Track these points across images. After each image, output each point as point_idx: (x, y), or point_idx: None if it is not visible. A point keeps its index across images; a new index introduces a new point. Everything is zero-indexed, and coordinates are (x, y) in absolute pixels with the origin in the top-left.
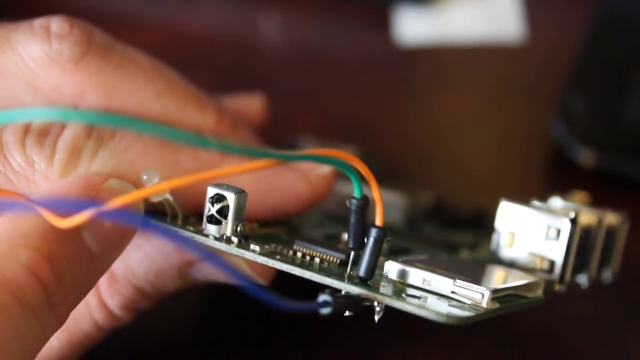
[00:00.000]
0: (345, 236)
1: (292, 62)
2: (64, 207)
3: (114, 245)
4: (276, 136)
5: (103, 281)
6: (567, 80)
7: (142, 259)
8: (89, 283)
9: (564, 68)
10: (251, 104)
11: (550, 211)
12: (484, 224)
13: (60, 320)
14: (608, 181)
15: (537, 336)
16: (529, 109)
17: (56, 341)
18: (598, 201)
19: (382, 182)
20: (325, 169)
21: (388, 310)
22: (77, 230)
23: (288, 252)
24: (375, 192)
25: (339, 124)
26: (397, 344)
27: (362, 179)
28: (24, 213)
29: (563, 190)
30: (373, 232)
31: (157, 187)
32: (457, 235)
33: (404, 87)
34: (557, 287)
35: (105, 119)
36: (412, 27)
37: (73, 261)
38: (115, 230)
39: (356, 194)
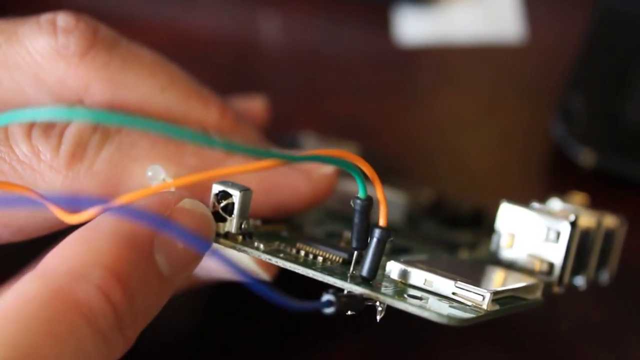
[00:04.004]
0: (347, 234)
1: (292, 62)
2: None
3: (185, 266)
4: (276, 136)
5: None
6: (567, 80)
7: None
8: (158, 305)
9: (564, 68)
10: (254, 106)
11: (551, 213)
12: (483, 223)
13: (128, 344)
14: (608, 181)
15: (539, 340)
16: (529, 109)
17: None
18: (598, 202)
19: (383, 179)
20: (327, 168)
21: (390, 315)
22: (149, 251)
23: (291, 250)
24: (379, 193)
25: (339, 123)
26: (399, 349)
27: (366, 180)
28: (97, 230)
29: (563, 191)
30: (377, 233)
31: (165, 185)
32: (456, 234)
33: (404, 87)
34: (555, 289)
35: (110, 117)
36: (412, 27)
37: (144, 283)
38: (187, 251)
39: (360, 194)
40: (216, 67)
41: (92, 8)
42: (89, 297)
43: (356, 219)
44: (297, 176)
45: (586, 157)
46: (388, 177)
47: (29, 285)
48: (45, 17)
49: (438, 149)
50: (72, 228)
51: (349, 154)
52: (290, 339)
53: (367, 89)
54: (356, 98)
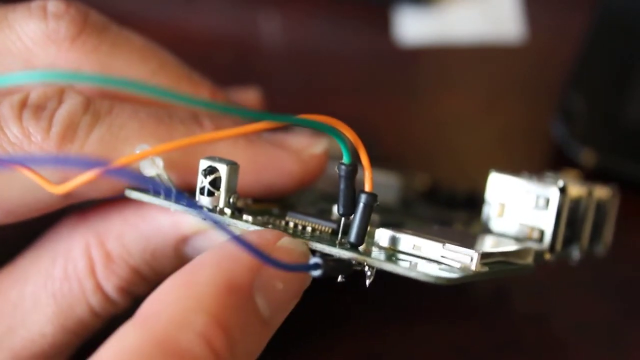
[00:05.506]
0: (336, 208)
1: (292, 62)
2: None
3: (285, 307)
4: None
5: (99, 262)
6: (567, 80)
7: (138, 238)
8: (259, 349)
9: (564, 68)
10: (248, 97)
11: (540, 181)
12: (478, 205)
13: None
14: (608, 182)
15: (538, 340)
16: (529, 109)
17: (50, 327)
18: None
19: (378, 167)
20: (318, 149)
21: (391, 315)
22: (250, 295)
23: (280, 222)
24: (363, 158)
25: None
26: (398, 348)
27: (351, 145)
28: (196, 273)
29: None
30: (362, 198)
31: (146, 153)
32: (451, 213)
33: (404, 87)
34: (547, 257)
35: (104, 80)
36: (412, 27)
37: (246, 327)
38: (287, 291)
39: (345, 159)
40: (216, 67)
41: (92, 8)
42: (192, 346)
43: (342, 185)
44: (287, 156)
45: (586, 157)
46: (384, 164)
47: (129, 334)
48: (36, 3)
49: (438, 149)
50: (62, 211)
51: (334, 120)
52: (290, 339)
53: (367, 89)
54: (356, 98)
